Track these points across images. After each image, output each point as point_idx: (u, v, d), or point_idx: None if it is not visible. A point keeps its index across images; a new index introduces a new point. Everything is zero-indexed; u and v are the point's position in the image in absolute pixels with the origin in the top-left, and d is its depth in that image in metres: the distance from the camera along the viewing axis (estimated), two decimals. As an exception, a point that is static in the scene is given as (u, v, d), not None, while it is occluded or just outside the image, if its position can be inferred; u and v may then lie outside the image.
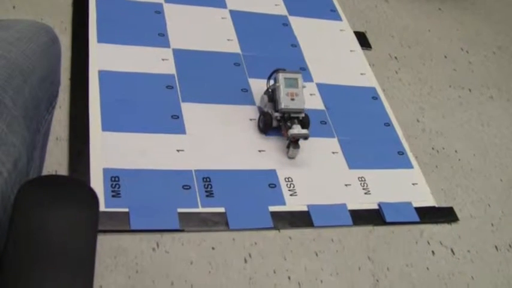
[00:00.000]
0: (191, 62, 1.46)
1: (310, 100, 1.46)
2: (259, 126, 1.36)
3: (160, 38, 1.49)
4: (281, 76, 1.33)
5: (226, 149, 1.31)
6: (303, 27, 1.68)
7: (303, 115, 1.34)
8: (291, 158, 1.33)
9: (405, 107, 1.60)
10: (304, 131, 1.30)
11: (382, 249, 1.25)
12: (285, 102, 1.31)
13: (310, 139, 1.32)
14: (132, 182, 1.17)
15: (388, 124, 1.52)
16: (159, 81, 1.38)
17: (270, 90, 1.36)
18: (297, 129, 1.29)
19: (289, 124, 1.31)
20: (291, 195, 1.26)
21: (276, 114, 1.33)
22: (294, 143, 1.30)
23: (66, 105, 1.27)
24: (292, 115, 1.32)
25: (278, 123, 1.34)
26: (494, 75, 1.84)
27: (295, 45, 1.63)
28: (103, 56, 1.38)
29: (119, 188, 1.16)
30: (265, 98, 1.36)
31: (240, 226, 1.18)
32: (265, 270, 1.14)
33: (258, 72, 1.48)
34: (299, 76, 1.35)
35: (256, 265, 1.14)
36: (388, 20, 1.88)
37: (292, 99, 1.32)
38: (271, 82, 1.36)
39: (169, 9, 1.57)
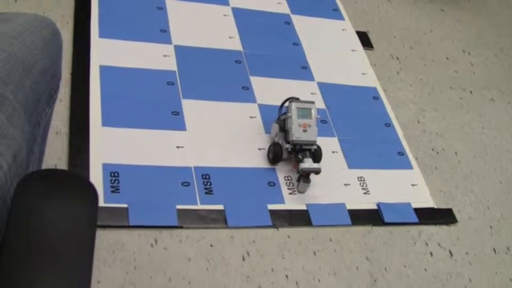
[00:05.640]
0: (192, 59, 1.45)
1: (311, 99, 1.46)
2: (268, 157, 1.31)
3: (162, 34, 1.49)
4: (294, 106, 1.27)
5: (226, 146, 1.31)
6: (305, 26, 1.68)
7: (315, 147, 1.28)
8: (301, 192, 1.27)
9: (406, 107, 1.60)
10: (316, 166, 1.23)
11: (380, 249, 1.25)
12: (296, 134, 1.25)
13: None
14: (132, 178, 1.17)
15: (389, 124, 1.52)
16: (160, 77, 1.38)
17: (281, 119, 1.30)
18: (308, 163, 1.23)
19: (300, 157, 1.25)
20: (290, 193, 1.26)
21: (287, 145, 1.27)
22: (304, 177, 1.24)
23: (67, 100, 1.27)
24: (303, 147, 1.26)
25: (289, 154, 1.28)
26: (496, 77, 1.84)
27: (297, 43, 1.62)
28: (104, 51, 1.38)
29: (118, 183, 1.15)
30: (277, 127, 1.30)
31: (238, 224, 1.18)
32: (263, 269, 1.14)
33: (259, 70, 1.48)
34: (313, 106, 1.29)
35: (254, 263, 1.14)
36: (390, 20, 1.87)
37: (305, 131, 1.26)
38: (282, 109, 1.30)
39: (171, 6, 1.57)
